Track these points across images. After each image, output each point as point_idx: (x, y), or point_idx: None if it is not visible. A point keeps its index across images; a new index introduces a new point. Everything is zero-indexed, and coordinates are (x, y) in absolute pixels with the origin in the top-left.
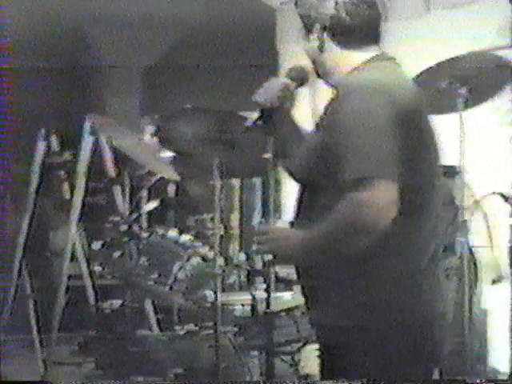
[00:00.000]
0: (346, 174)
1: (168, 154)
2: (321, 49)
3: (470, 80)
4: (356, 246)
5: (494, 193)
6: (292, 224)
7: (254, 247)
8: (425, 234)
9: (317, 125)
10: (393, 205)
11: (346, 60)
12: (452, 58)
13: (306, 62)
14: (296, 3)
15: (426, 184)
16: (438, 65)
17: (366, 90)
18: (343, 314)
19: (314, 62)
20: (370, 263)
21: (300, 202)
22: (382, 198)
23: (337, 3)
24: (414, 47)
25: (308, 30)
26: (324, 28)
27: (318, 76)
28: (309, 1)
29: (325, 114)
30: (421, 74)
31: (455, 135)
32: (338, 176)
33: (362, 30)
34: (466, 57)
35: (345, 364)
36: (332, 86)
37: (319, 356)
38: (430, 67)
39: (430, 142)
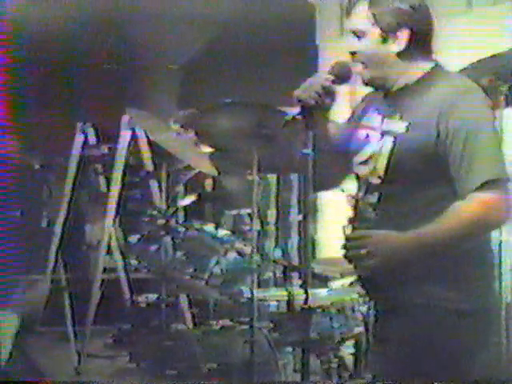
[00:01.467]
0: (473, 178)
1: (206, 148)
2: (405, 55)
3: (511, 77)
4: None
5: None
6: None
7: (350, 253)
8: None
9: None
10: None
11: (412, 69)
12: (493, 55)
13: (345, 58)
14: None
15: None
16: (480, 62)
17: (475, 94)
18: None
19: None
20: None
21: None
22: (509, 198)
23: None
24: (456, 44)
25: (389, 30)
26: (411, 31)
27: (368, 83)
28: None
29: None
30: (462, 71)
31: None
32: (462, 181)
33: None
34: (508, 54)
35: None
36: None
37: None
38: (471, 64)
39: None
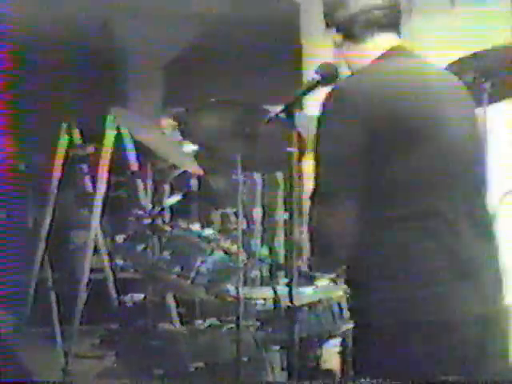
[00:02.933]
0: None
1: (191, 147)
2: (339, 44)
3: (494, 75)
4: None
5: None
6: None
7: None
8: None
9: None
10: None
11: (361, 55)
12: (476, 53)
13: (329, 57)
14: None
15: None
16: (462, 59)
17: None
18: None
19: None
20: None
21: None
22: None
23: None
24: (438, 42)
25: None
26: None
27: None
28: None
29: None
30: (445, 68)
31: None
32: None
33: (362, 19)
34: (491, 51)
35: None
36: None
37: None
38: (454, 62)
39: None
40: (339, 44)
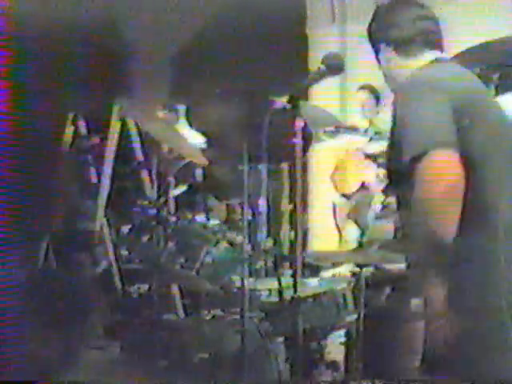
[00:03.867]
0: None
1: (196, 138)
2: (387, 59)
3: (501, 66)
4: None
5: None
6: None
7: None
8: None
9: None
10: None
11: (407, 67)
12: (483, 44)
13: (335, 48)
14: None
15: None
16: (469, 51)
17: (419, 84)
18: None
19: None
20: None
21: None
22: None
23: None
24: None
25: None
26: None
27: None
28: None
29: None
30: (452, 59)
31: None
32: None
33: (419, 40)
34: (497, 43)
35: None
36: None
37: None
38: (461, 53)
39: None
40: (388, 59)
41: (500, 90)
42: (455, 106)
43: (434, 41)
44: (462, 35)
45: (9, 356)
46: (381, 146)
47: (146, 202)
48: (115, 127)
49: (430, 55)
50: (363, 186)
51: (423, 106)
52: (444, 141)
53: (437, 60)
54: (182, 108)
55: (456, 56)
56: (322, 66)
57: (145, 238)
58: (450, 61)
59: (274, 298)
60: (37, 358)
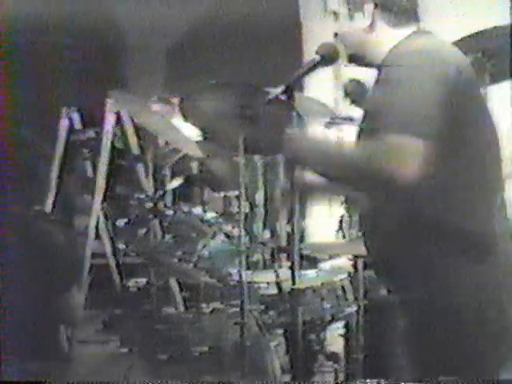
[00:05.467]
0: (383, 129)
1: (191, 130)
2: (372, 28)
3: (496, 54)
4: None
5: None
6: None
7: None
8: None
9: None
10: (414, 164)
11: (391, 38)
12: (478, 32)
13: (329, 38)
14: None
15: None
16: (464, 39)
17: (413, 55)
18: None
19: (354, 45)
20: None
21: None
22: (406, 152)
23: None
24: (440, 20)
25: (354, 8)
26: (375, 5)
27: (351, 61)
28: None
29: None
30: None
31: None
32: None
33: (406, 7)
34: (493, 31)
35: None
36: (375, 66)
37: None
38: (456, 41)
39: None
40: (372, 28)
41: (494, 78)
42: (453, 81)
43: (417, 12)
44: (455, 24)
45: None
46: None
47: (143, 196)
48: (110, 121)
49: (414, 27)
50: None
51: (415, 82)
52: (420, 131)
53: (421, 31)
54: (176, 100)
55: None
56: (317, 56)
57: (142, 231)
58: (429, 33)
59: (273, 291)
60: None
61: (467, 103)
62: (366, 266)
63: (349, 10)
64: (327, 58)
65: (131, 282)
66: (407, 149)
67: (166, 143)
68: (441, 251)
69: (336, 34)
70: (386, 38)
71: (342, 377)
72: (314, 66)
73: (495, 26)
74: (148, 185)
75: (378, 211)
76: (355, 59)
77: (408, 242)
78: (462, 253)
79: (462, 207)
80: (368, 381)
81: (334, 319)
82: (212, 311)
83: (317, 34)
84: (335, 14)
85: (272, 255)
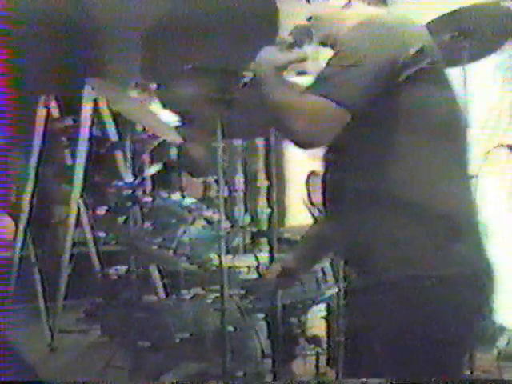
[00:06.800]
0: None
1: (169, 116)
2: (348, 6)
3: (473, 33)
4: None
5: (501, 145)
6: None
7: None
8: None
9: None
10: (330, 130)
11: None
12: (455, 11)
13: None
14: None
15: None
16: (441, 17)
17: (369, 28)
18: None
19: (329, 25)
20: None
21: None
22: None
23: None
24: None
25: None
26: None
27: (324, 42)
28: None
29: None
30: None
31: (459, 89)
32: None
33: None
34: (470, 9)
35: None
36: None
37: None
38: (433, 20)
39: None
40: (348, 6)
41: (472, 57)
42: (407, 61)
43: None
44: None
45: None
46: None
47: (121, 183)
48: (87, 108)
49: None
50: None
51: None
52: (341, 99)
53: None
54: (153, 86)
55: (428, 23)
56: (289, 38)
57: (121, 219)
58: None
59: (253, 275)
60: None
61: (424, 83)
62: None
63: None
64: (300, 39)
65: (111, 270)
66: (320, 112)
67: (144, 129)
68: (407, 229)
69: (310, 18)
70: (362, 16)
71: (323, 360)
72: (288, 48)
73: (472, 5)
74: (127, 172)
75: (340, 184)
76: (327, 41)
77: (372, 220)
78: (430, 232)
79: (425, 185)
80: (369, 380)
81: (314, 302)
82: (192, 297)
83: (292, 17)
84: None
85: (252, 239)
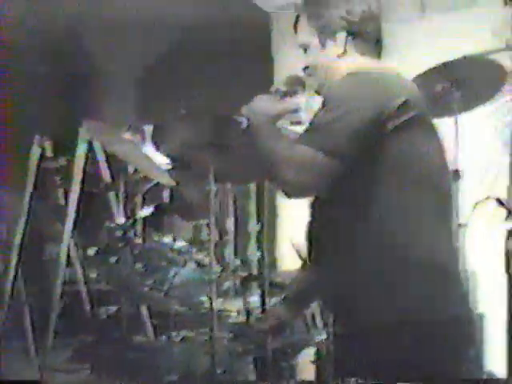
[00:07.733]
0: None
1: (162, 159)
2: (343, 56)
3: (464, 84)
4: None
5: (489, 197)
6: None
7: None
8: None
9: None
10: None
11: (360, 66)
12: (446, 62)
13: (299, 72)
14: (311, 13)
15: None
16: (433, 69)
17: (357, 79)
18: None
19: (320, 72)
20: None
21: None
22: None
23: (363, 11)
24: (408, 50)
25: (326, 37)
26: (351, 34)
27: (319, 92)
28: (330, 11)
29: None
30: (415, 77)
31: (450, 139)
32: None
33: (375, 35)
34: (461, 60)
35: None
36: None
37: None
38: (425, 71)
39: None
40: (343, 56)
41: (463, 107)
42: (394, 113)
43: (381, 40)
44: (423, 55)
45: None
46: None
47: (113, 224)
48: (82, 149)
49: (381, 55)
50: None
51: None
52: (331, 149)
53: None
54: (148, 129)
55: (420, 74)
56: (283, 88)
57: (112, 260)
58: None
59: (243, 319)
60: None
61: (410, 133)
62: None
63: (320, 39)
64: (293, 90)
65: (102, 310)
66: (309, 162)
67: (135, 171)
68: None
69: (306, 68)
70: (357, 66)
71: None
72: (282, 97)
73: (464, 56)
74: (119, 213)
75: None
76: (321, 90)
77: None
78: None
79: (410, 234)
80: (366, 381)
81: (304, 346)
82: (182, 339)
83: (287, 67)
84: (306, 48)
85: (242, 283)
